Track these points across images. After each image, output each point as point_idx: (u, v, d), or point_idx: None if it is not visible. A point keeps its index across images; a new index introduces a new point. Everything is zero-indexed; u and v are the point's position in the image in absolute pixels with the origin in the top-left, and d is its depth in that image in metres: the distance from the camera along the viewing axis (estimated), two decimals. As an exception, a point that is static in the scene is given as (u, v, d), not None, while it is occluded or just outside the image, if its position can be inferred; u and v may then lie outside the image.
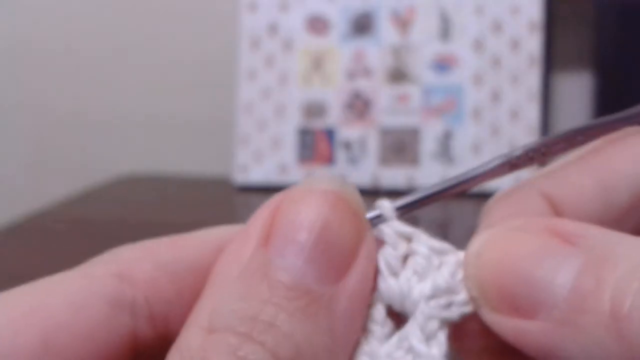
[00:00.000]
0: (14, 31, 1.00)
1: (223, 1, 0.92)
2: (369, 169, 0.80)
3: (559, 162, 0.21)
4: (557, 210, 0.20)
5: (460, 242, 0.19)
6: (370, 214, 0.19)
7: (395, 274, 0.18)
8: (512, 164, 0.20)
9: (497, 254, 0.17)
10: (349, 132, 0.81)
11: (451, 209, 0.69)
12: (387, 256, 0.19)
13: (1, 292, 0.18)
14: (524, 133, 0.77)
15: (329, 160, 0.81)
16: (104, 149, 0.99)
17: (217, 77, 0.93)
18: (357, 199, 0.18)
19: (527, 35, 0.78)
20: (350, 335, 0.17)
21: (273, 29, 0.83)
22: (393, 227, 0.19)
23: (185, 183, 0.89)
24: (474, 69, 0.79)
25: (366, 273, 0.17)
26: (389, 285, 0.18)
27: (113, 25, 0.97)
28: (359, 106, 0.81)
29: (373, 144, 0.80)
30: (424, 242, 0.19)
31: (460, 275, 0.18)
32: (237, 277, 0.17)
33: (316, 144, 0.81)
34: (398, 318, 0.18)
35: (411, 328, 0.18)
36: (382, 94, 0.80)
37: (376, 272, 0.18)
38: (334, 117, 0.81)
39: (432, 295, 0.18)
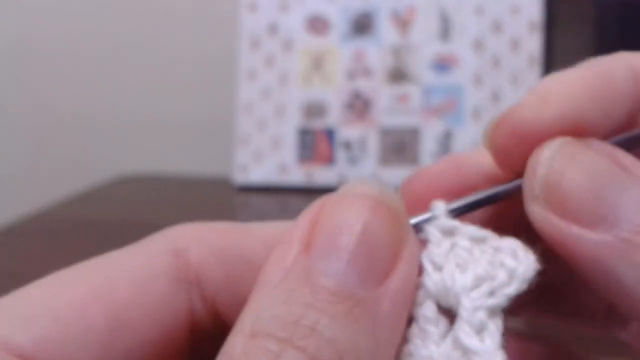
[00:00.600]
0: (14, 31, 1.00)
1: (223, 1, 0.92)
2: (369, 169, 0.80)
3: None
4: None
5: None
6: (422, 217, 0.19)
7: (439, 269, 0.18)
8: None
9: (570, 164, 0.18)
10: (349, 132, 0.81)
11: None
12: (430, 254, 0.18)
13: (65, 269, 0.18)
14: (524, 133, 0.77)
15: (329, 160, 0.81)
16: (104, 149, 0.99)
17: (217, 77, 0.93)
18: (397, 202, 0.18)
19: (527, 35, 0.78)
20: (393, 339, 0.17)
21: (273, 29, 0.83)
22: (436, 225, 0.19)
23: (185, 183, 0.89)
24: (474, 69, 0.79)
25: (409, 276, 0.17)
26: (434, 280, 0.18)
27: (113, 25, 0.97)
28: (359, 106, 0.81)
29: (373, 144, 0.80)
30: (464, 233, 0.19)
31: (499, 260, 0.18)
32: (280, 282, 0.17)
33: (316, 144, 0.81)
34: (451, 317, 0.18)
35: (459, 324, 0.17)
36: (382, 94, 0.80)
37: (421, 272, 0.18)
38: (334, 117, 0.81)
39: (475, 286, 0.18)
